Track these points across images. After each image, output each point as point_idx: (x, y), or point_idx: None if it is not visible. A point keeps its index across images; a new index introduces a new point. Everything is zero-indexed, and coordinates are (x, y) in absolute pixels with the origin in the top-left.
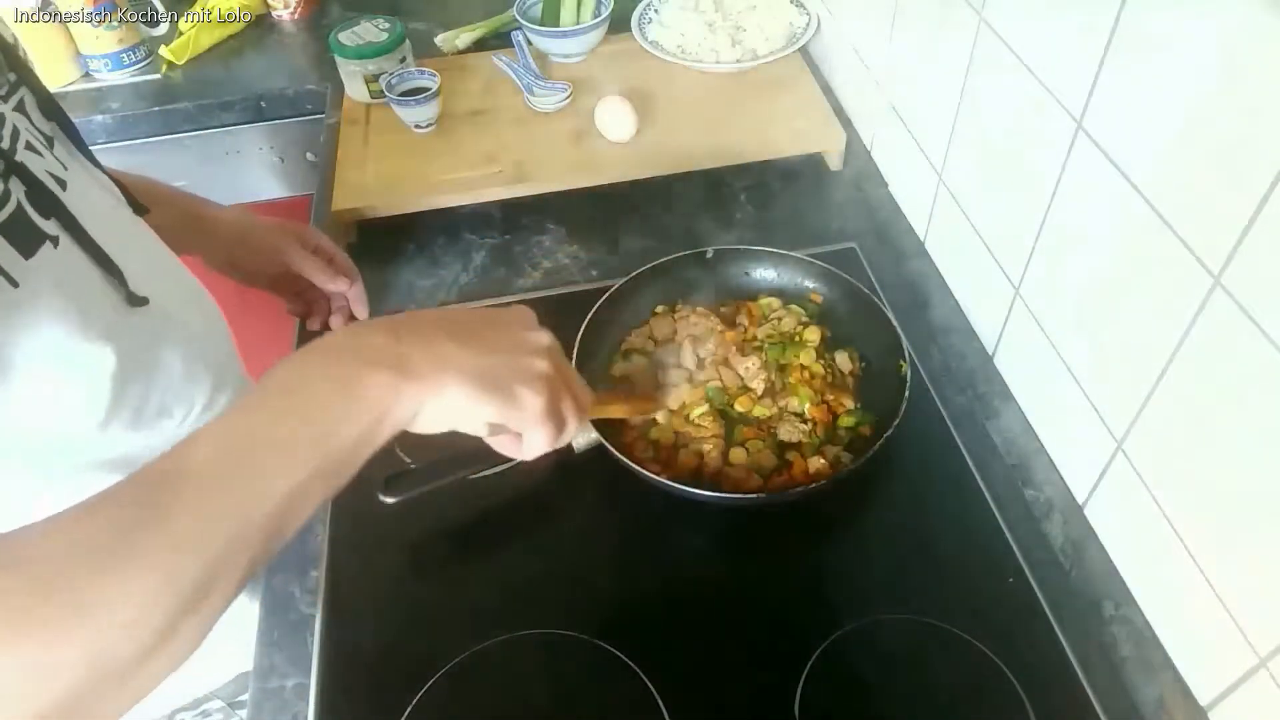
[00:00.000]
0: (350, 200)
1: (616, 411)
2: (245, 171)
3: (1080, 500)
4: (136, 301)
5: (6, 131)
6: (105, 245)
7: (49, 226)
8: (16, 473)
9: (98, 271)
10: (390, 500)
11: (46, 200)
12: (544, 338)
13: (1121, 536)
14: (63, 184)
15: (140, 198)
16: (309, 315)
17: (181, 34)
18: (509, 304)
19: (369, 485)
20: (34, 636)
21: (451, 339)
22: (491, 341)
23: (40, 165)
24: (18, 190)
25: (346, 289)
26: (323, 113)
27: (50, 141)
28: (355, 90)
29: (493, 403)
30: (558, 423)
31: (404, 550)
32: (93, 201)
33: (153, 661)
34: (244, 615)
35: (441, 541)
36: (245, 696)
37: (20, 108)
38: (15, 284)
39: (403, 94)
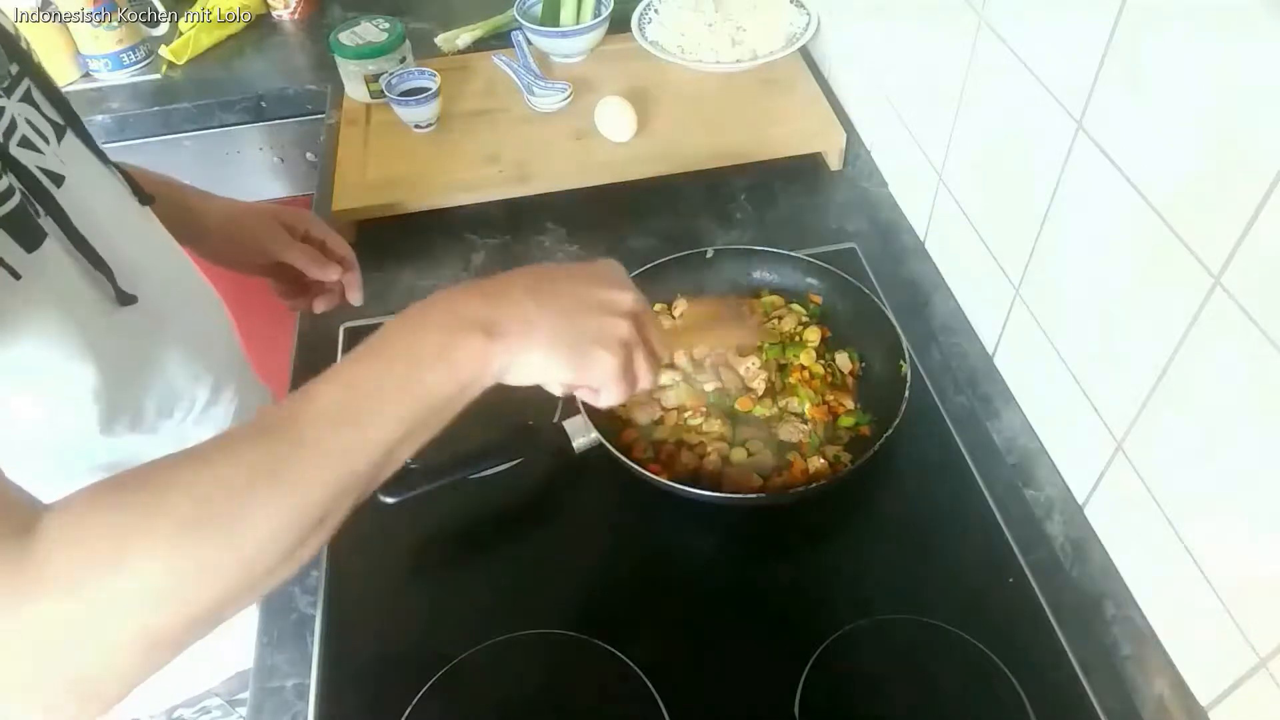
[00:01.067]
0: (350, 200)
1: (705, 340)
2: (245, 171)
3: (1080, 500)
4: (125, 300)
5: (2, 126)
6: (97, 243)
7: (45, 223)
8: (20, 479)
9: (87, 270)
10: (390, 500)
11: (41, 196)
12: (627, 297)
13: (1121, 536)
14: (58, 179)
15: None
16: (299, 297)
17: (181, 34)
18: (599, 259)
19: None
20: (199, 548)
21: (539, 303)
22: (576, 304)
23: (33, 160)
24: (18, 184)
25: (336, 277)
26: (323, 113)
27: (61, 132)
28: (355, 90)
29: (570, 365)
30: (630, 381)
31: (404, 550)
32: (93, 195)
33: (280, 571)
34: (243, 613)
35: (441, 541)
36: (244, 694)
37: (28, 98)
38: (17, 276)
39: (403, 94)
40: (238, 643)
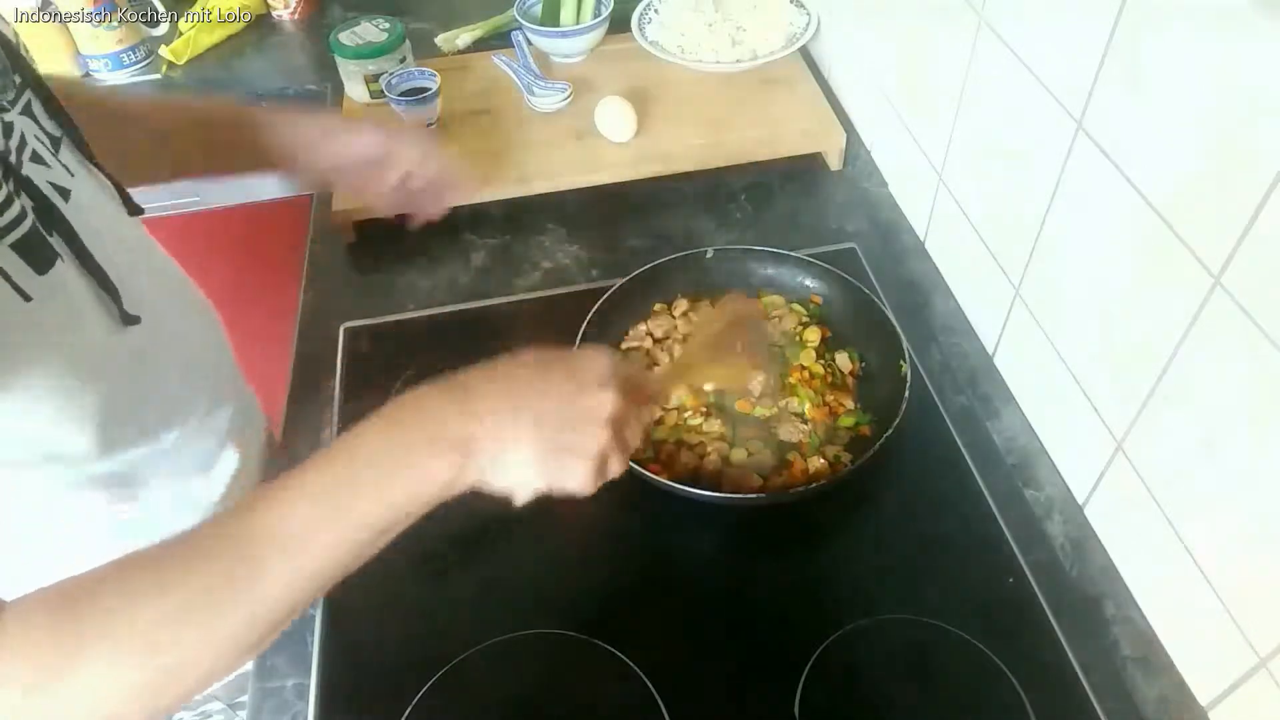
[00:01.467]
0: (350, 200)
1: (702, 380)
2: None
3: (1080, 500)
4: (129, 320)
5: (14, 143)
6: (104, 261)
7: (54, 243)
8: (22, 486)
9: (94, 290)
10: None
11: (50, 215)
12: (608, 402)
13: (1121, 536)
14: (65, 194)
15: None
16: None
17: (181, 34)
18: (587, 351)
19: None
20: (146, 670)
21: (517, 415)
22: (556, 415)
23: (43, 176)
24: (28, 205)
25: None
26: None
27: (57, 144)
28: (355, 90)
29: (544, 477)
30: (601, 478)
31: (404, 550)
32: (95, 210)
33: (232, 671)
34: None
35: (441, 541)
36: (244, 698)
37: (28, 110)
38: (28, 298)
39: (403, 94)
40: None
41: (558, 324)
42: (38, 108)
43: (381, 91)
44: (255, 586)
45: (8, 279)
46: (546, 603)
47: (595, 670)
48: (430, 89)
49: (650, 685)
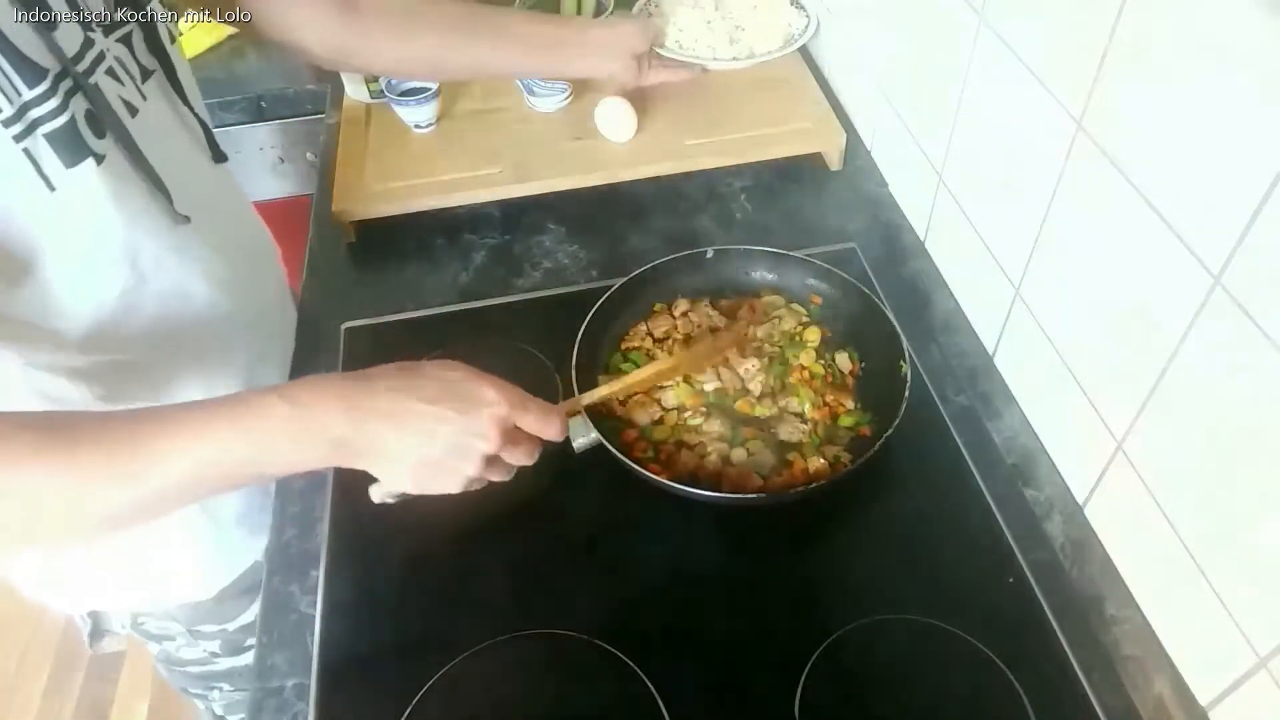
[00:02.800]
0: (350, 200)
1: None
2: (245, 171)
3: (1080, 500)
4: (179, 219)
5: (91, 54)
6: (159, 169)
7: (99, 146)
8: (49, 336)
9: (145, 189)
10: (390, 500)
11: (109, 121)
12: (489, 441)
13: (1121, 536)
14: (133, 111)
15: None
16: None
17: (181, 34)
18: (489, 385)
19: (369, 485)
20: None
21: (400, 434)
22: (440, 437)
23: (115, 90)
24: (78, 108)
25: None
26: (323, 113)
27: (146, 74)
28: (355, 90)
29: (414, 487)
30: (489, 476)
31: (404, 550)
32: (164, 134)
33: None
34: (194, 541)
35: (441, 541)
36: (204, 626)
37: (126, 40)
38: (52, 188)
39: (403, 94)
40: (188, 570)
41: (558, 324)
42: (138, 39)
43: (381, 91)
44: (134, 493)
45: (36, 167)
46: (546, 603)
47: (595, 670)
48: (430, 89)
49: (650, 685)
